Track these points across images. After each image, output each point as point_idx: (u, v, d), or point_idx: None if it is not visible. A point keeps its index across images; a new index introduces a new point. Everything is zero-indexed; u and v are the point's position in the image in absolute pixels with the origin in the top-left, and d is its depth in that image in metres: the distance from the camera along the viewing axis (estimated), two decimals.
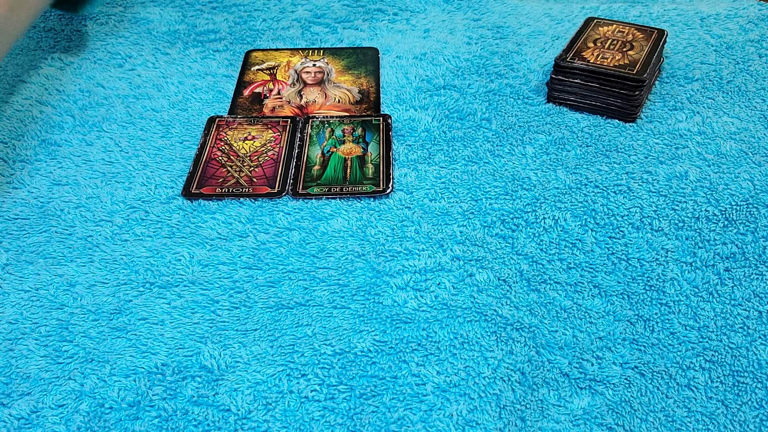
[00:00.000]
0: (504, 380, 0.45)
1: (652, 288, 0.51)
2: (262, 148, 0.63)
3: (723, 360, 0.47)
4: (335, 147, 0.63)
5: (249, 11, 0.84)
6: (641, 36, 0.70)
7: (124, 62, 0.75)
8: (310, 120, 0.66)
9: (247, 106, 0.69)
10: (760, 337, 0.48)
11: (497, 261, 0.53)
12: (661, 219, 0.56)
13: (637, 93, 0.64)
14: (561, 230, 0.55)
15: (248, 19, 0.83)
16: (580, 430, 0.43)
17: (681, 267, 0.52)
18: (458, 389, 0.45)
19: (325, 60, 0.75)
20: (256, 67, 0.75)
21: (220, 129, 0.65)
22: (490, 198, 0.58)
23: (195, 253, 0.53)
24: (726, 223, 0.55)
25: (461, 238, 0.54)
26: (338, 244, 0.54)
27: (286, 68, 0.74)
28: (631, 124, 0.65)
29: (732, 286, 0.51)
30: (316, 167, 0.61)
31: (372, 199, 0.58)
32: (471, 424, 0.43)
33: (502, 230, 0.55)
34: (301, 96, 0.70)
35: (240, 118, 0.67)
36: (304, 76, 0.73)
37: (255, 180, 0.59)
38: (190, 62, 0.75)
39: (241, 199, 0.58)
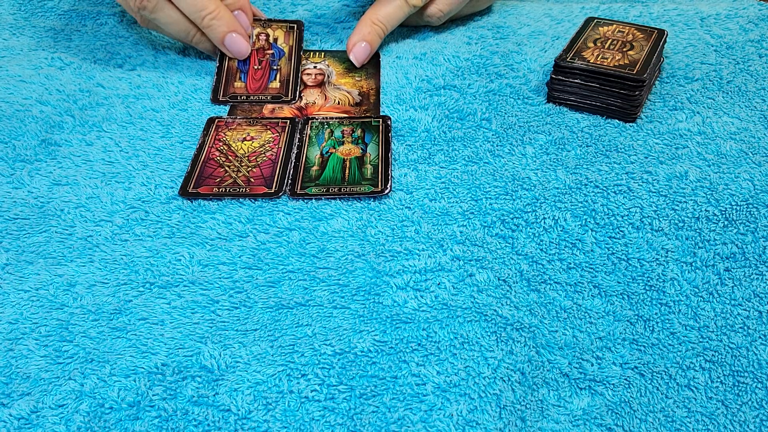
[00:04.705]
0: (504, 380, 0.45)
1: (652, 288, 0.51)
2: (261, 149, 0.63)
3: (723, 360, 0.47)
4: (334, 148, 0.63)
5: (275, 17, 0.84)
6: (641, 36, 0.70)
7: (124, 62, 0.75)
8: (310, 121, 0.66)
9: (246, 107, 0.69)
10: (760, 337, 0.48)
11: (497, 261, 0.53)
12: (661, 219, 0.56)
13: (637, 93, 0.64)
14: (561, 230, 0.55)
15: None
16: (579, 431, 0.43)
17: (681, 267, 0.52)
18: (458, 389, 0.45)
19: (326, 62, 0.75)
20: (257, 67, 0.75)
21: (219, 129, 0.65)
22: (490, 198, 0.58)
23: (195, 253, 0.53)
24: (726, 223, 0.55)
25: (461, 238, 0.54)
26: (338, 244, 0.54)
27: None
28: (631, 124, 0.65)
29: (732, 286, 0.51)
30: (315, 168, 0.61)
31: (372, 200, 0.58)
32: (471, 424, 0.43)
33: (502, 230, 0.55)
34: (301, 97, 0.70)
35: (239, 119, 0.67)
36: (304, 77, 0.73)
37: (252, 180, 0.59)
38: (190, 62, 0.75)
39: (241, 199, 0.58)
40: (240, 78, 0.70)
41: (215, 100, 0.68)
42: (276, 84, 0.69)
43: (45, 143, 0.63)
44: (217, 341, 0.47)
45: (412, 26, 0.80)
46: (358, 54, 0.73)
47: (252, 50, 0.72)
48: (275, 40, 0.73)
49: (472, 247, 0.54)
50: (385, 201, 0.58)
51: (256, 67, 0.70)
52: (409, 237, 0.55)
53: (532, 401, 0.45)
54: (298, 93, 0.69)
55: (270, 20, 0.76)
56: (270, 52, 0.72)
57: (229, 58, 0.72)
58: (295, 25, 0.75)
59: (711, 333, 0.48)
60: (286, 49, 0.72)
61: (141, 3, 0.67)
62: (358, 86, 0.72)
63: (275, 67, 0.71)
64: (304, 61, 0.75)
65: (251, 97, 0.69)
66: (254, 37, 0.73)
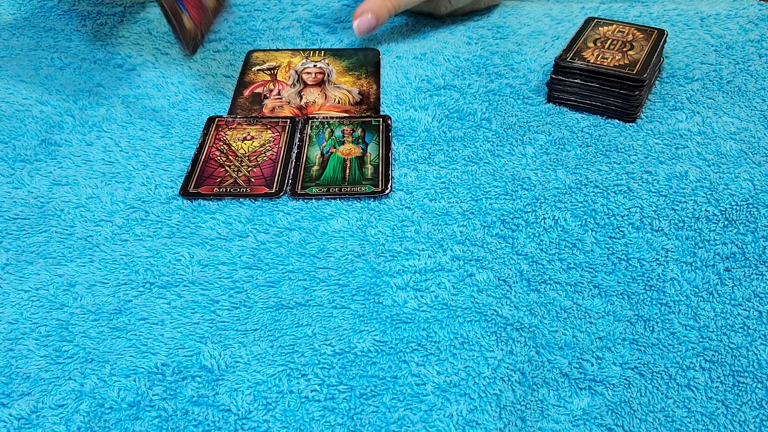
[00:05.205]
0: (504, 380, 0.45)
1: (652, 288, 0.51)
2: (261, 149, 0.63)
3: (723, 360, 0.47)
4: (334, 147, 0.63)
5: (249, 11, 0.84)
6: (641, 36, 0.70)
7: (124, 62, 0.75)
8: (310, 121, 0.66)
9: (247, 106, 0.69)
10: (760, 337, 0.48)
11: (497, 261, 0.53)
12: (661, 219, 0.56)
13: (637, 93, 0.64)
14: (561, 230, 0.55)
15: (248, 19, 0.83)
16: (579, 431, 0.43)
17: (681, 267, 0.52)
18: (458, 389, 0.45)
19: (326, 61, 0.75)
20: (257, 67, 0.75)
21: (219, 129, 0.65)
22: (490, 198, 0.58)
23: (195, 253, 0.53)
24: (726, 223, 0.55)
25: (461, 238, 0.54)
26: (338, 244, 0.54)
27: (287, 69, 0.74)
28: (631, 124, 0.65)
29: (732, 286, 0.51)
30: (315, 167, 0.61)
31: (372, 199, 0.58)
32: (471, 424, 0.43)
33: (502, 230, 0.55)
34: (301, 96, 0.70)
35: (239, 118, 0.67)
36: (304, 76, 0.73)
37: (253, 180, 0.59)
38: (190, 62, 0.75)
39: (241, 199, 0.58)
40: (184, 12, 0.65)
41: (192, 53, 0.63)
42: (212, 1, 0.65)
43: (45, 143, 0.63)
44: (217, 341, 0.47)
45: (416, 14, 0.78)
46: (361, 24, 0.69)
47: None
48: None
49: (472, 247, 0.54)
50: (385, 201, 0.58)
51: None
52: (409, 237, 0.55)
53: (532, 401, 0.45)
54: None
55: None
56: None
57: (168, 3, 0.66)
58: None
59: (711, 333, 0.48)
60: None
61: None
62: (358, 85, 0.72)
63: None
64: (304, 60, 0.75)
65: (202, 30, 0.64)
66: None
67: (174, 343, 0.47)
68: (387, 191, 0.58)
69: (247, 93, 0.71)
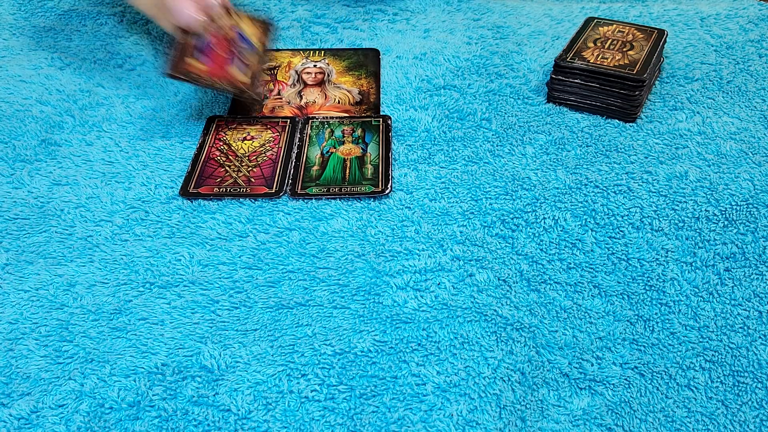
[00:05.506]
0: (504, 380, 0.45)
1: (652, 288, 0.51)
2: (261, 149, 0.63)
3: (723, 360, 0.47)
4: (335, 147, 0.63)
5: (249, 11, 0.84)
6: (641, 36, 0.70)
7: (124, 62, 0.75)
8: (310, 120, 0.66)
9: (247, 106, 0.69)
10: (760, 337, 0.48)
11: (497, 261, 0.53)
12: (661, 219, 0.56)
13: (637, 93, 0.64)
14: (561, 230, 0.55)
15: None
16: (579, 431, 0.43)
17: (681, 267, 0.52)
18: (458, 389, 0.45)
19: (326, 61, 0.75)
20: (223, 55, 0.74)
21: (219, 129, 0.65)
22: (490, 198, 0.58)
23: (195, 253, 0.53)
24: (726, 223, 0.55)
25: (461, 238, 0.54)
26: (338, 244, 0.54)
27: (287, 69, 0.74)
28: (631, 124, 0.65)
29: (732, 286, 0.51)
30: (315, 167, 0.61)
31: (372, 199, 0.58)
32: (471, 424, 0.43)
33: (502, 230, 0.55)
34: (301, 96, 0.70)
35: (239, 118, 0.67)
36: (304, 76, 0.73)
37: (253, 180, 0.59)
38: None
39: (241, 199, 0.58)
40: (193, 54, 0.65)
41: (173, 75, 0.63)
42: (245, 78, 0.66)
43: (45, 143, 0.63)
44: (217, 341, 0.47)
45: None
46: None
47: (219, 35, 0.67)
48: (243, 30, 0.68)
49: (472, 247, 0.54)
50: (385, 201, 0.58)
51: (223, 54, 0.65)
52: (409, 237, 0.55)
53: (532, 401, 0.45)
54: (263, 94, 0.68)
55: (239, 12, 0.70)
56: (243, 46, 0.67)
57: (188, 35, 0.65)
58: (269, 25, 0.71)
59: (711, 333, 0.48)
60: (258, 46, 0.68)
61: None
62: (358, 85, 0.72)
63: (245, 62, 0.66)
64: (304, 60, 0.75)
65: (211, 80, 0.64)
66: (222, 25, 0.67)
67: (174, 343, 0.47)
68: (387, 191, 0.58)
69: None
